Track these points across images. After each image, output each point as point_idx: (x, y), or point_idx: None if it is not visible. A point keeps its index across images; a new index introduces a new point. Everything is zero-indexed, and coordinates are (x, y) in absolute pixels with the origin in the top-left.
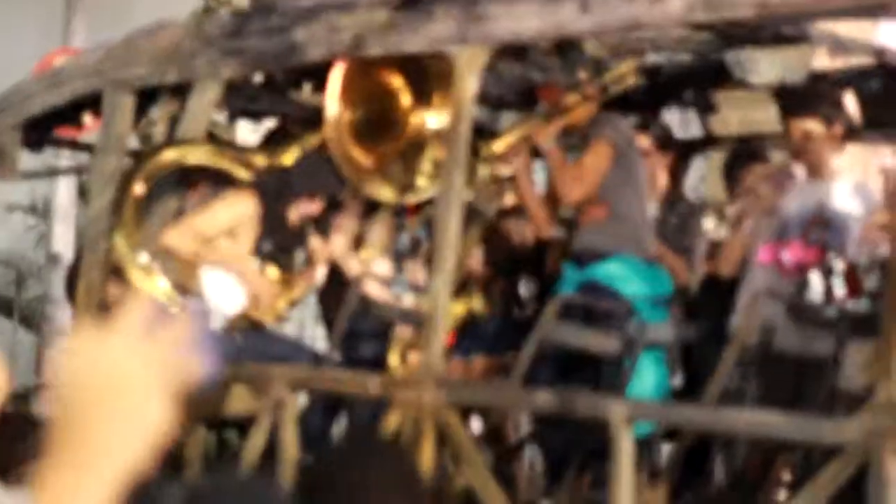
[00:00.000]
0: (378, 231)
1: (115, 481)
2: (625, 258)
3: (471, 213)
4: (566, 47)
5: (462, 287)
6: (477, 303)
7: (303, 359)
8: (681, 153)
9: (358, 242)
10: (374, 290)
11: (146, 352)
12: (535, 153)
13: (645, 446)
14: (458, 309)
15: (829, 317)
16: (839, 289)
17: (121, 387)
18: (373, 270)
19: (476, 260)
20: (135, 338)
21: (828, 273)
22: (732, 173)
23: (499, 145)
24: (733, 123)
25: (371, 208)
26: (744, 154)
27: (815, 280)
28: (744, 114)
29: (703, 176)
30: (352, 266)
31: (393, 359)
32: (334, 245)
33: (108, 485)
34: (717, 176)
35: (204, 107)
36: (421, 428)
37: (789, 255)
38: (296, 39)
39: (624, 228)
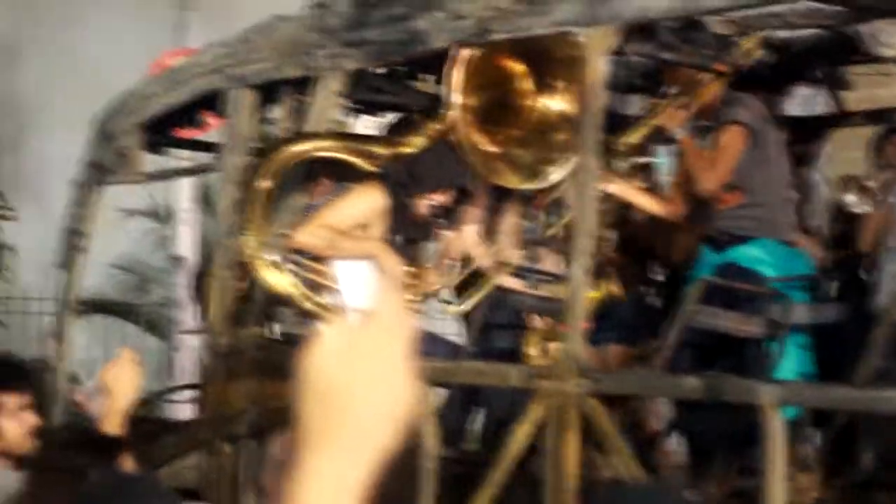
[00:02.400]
0: (508, 220)
1: (369, 471)
2: (764, 241)
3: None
4: (692, 25)
5: (597, 272)
6: (613, 288)
7: (441, 352)
8: (809, 131)
9: (488, 232)
10: (507, 280)
11: (396, 346)
12: (665, 140)
13: (792, 432)
14: (595, 295)
15: None
16: None
17: (376, 379)
18: (504, 260)
19: (609, 244)
20: (388, 332)
21: None
22: (879, 147)
23: (633, 136)
24: (867, 99)
25: (499, 197)
26: (892, 128)
27: None
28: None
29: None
30: (482, 257)
31: (531, 349)
32: (464, 236)
33: (363, 474)
34: (847, 152)
35: (327, 100)
36: (565, 418)
37: None
38: (418, 28)
39: (761, 211)
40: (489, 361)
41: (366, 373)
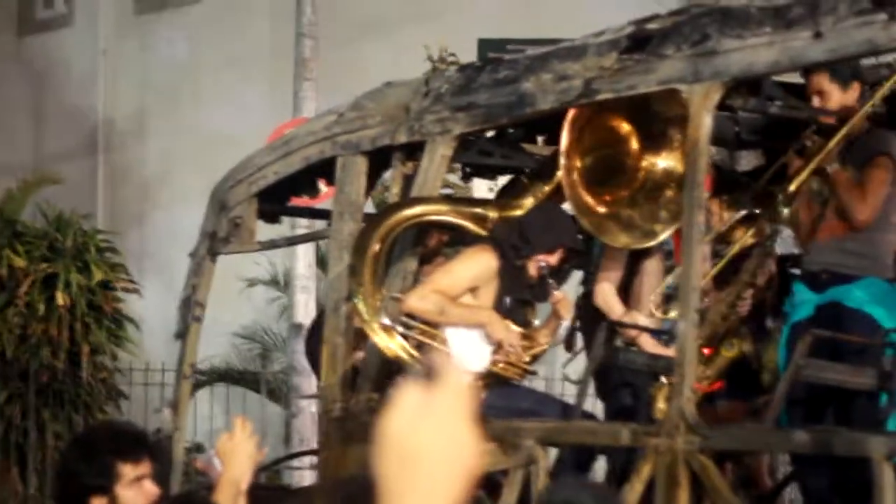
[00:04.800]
0: (648, 277)
1: None
2: (871, 280)
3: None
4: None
5: (732, 331)
6: (746, 345)
7: (552, 412)
8: None
9: (626, 290)
10: (645, 342)
11: (461, 408)
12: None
13: None
14: (728, 354)
15: None
16: None
17: (443, 438)
18: (639, 319)
19: (745, 303)
20: (454, 402)
21: None
22: None
23: (795, 184)
24: None
25: (638, 254)
26: None
27: None
28: None
29: None
30: (616, 313)
31: (659, 411)
32: (600, 294)
33: None
34: None
35: (437, 164)
36: (675, 474)
37: None
38: (525, 90)
39: (870, 248)
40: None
41: (434, 432)
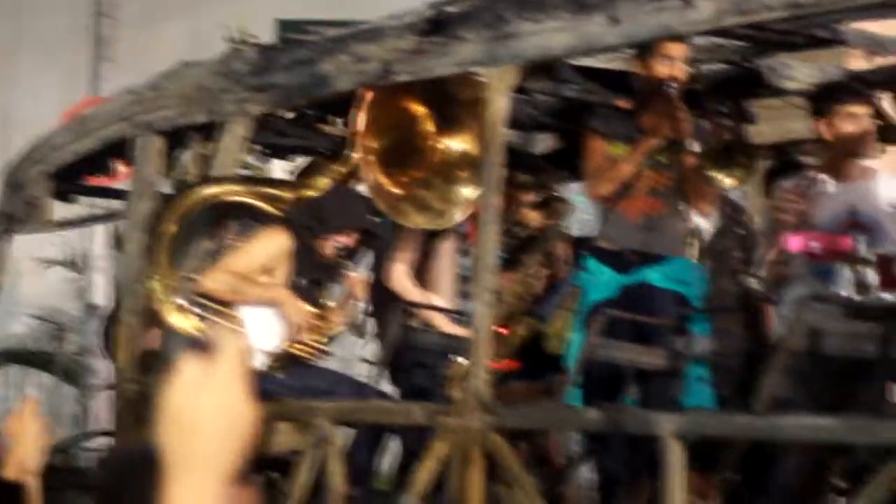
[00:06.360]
0: (443, 258)
1: (220, 492)
2: (679, 260)
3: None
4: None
5: (524, 310)
6: (540, 324)
7: (346, 391)
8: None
9: (419, 270)
10: (441, 322)
11: (238, 386)
12: None
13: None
14: (522, 332)
15: (875, 308)
16: (871, 278)
17: (219, 410)
18: (435, 300)
19: (539, 282)
20: (231, 374)
21: (859, 263)
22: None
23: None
24: (768, 133)
25: (431, 234)
26: (778, 166)
27: (846, 270)
28: (779, 123)
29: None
30: (411, 295)
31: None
32: (393, 275)
33: (216, 495)
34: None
35: (234, 145)
36: (468, 453)
37: (818, 243)
38: (323, 71)
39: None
40: (407, 401)
41: (211, 404)
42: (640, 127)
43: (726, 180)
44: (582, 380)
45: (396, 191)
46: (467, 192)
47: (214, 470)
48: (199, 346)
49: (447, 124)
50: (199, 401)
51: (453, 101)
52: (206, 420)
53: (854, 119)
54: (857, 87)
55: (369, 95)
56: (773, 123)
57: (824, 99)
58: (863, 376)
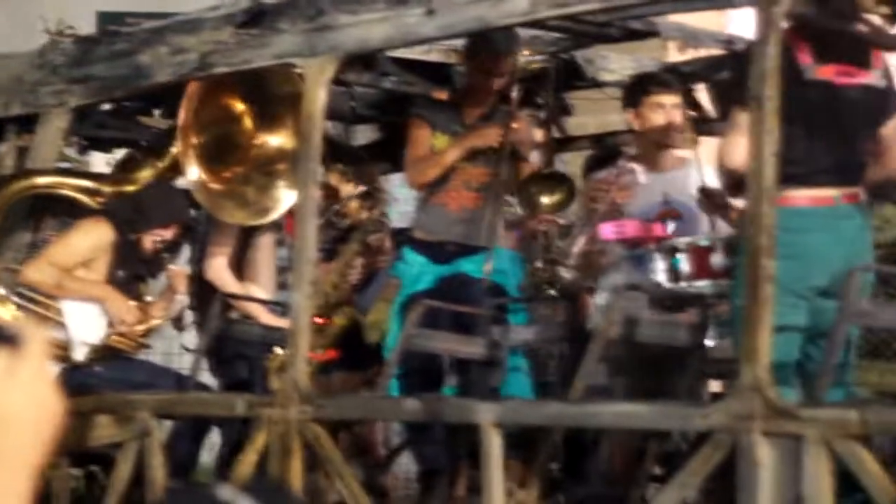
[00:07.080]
0: (262, 250)
1: (29, 485)
2: (499, 251)
3: (351, 229)
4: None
5: (345, 300)
6: (358, 314)
7: (167, 384)
8: None
9: (238, 262)
10: (260, 314)
11: (45, 378)
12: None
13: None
14: (342, 322)
15: (687, 296)
16: (684, 267)
17: (26, 402)
18: (254, 291)
19: (355, 273)
20: (38, 366)
21: (671, 251)
22: (585, 174)
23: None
24: (588, 125)
25: (250, 228)
26: (597, 157)
27: (658, 258)
28: (597, 115)
29: None
30: (230, 287)
31: (274, 382)
32: (212, 268)
33: (25, 487)
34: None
35: (52, 137)
36: (288, 444)
37: (630, 230)
38: (141, 63)
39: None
40: (228, 393)
41: (17, 396)
42: (464, 122)
43: (546, 201)
44: (401, 370)
45: (217, 186)
46: (287, 188)
47: (23, 464)
48: (4, 338)
49: (266, 120)
50: (7, 394)
51: (273, 97)
52: (13, 414)
53: (662, 109)
54: (664, 77)
55: (191, 89)
56: (596, 115)
57: (634, 90)
58: (677, 363)
